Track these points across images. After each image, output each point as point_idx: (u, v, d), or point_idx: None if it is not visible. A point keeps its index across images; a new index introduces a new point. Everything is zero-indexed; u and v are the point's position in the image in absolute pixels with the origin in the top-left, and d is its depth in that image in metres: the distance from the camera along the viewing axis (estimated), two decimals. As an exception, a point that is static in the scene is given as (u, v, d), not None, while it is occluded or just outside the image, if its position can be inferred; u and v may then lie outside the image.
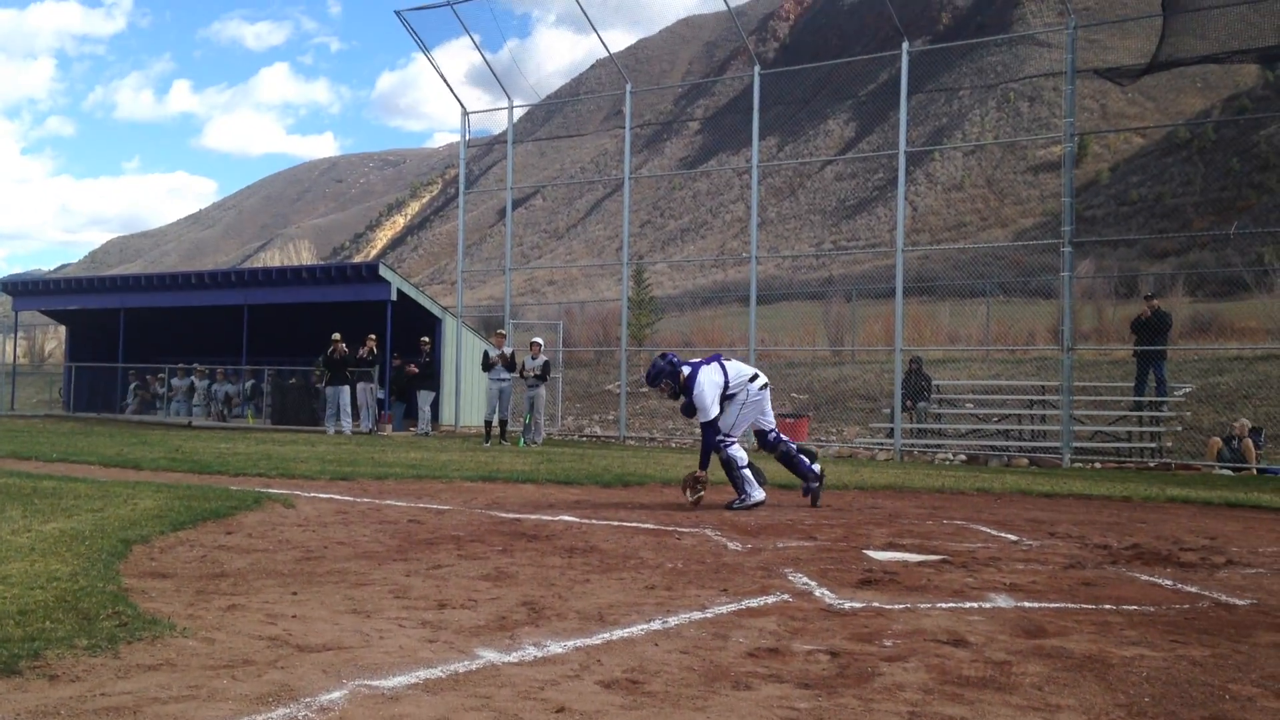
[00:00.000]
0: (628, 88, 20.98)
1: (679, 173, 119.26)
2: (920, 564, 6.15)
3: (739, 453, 8.71)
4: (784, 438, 9.09)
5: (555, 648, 4.13)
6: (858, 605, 4.99)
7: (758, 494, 8.68)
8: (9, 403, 28.83)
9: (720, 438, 8.67)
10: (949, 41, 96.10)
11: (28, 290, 29.84)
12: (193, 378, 24.82)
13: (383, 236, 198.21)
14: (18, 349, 34.21)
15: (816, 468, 8.99)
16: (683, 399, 8.95)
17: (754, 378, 8.90)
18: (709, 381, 8.64)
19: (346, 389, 20.27)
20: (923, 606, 4.99)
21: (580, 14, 20.02)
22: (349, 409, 20.31)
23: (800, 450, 9.07)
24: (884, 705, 3.45)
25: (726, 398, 8.71)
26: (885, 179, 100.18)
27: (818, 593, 5.27)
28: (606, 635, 4.35)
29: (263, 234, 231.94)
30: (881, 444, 17.32)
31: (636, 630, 4.45)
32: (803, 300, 42.49)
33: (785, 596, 5.16)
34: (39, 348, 43.81)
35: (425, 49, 21.57)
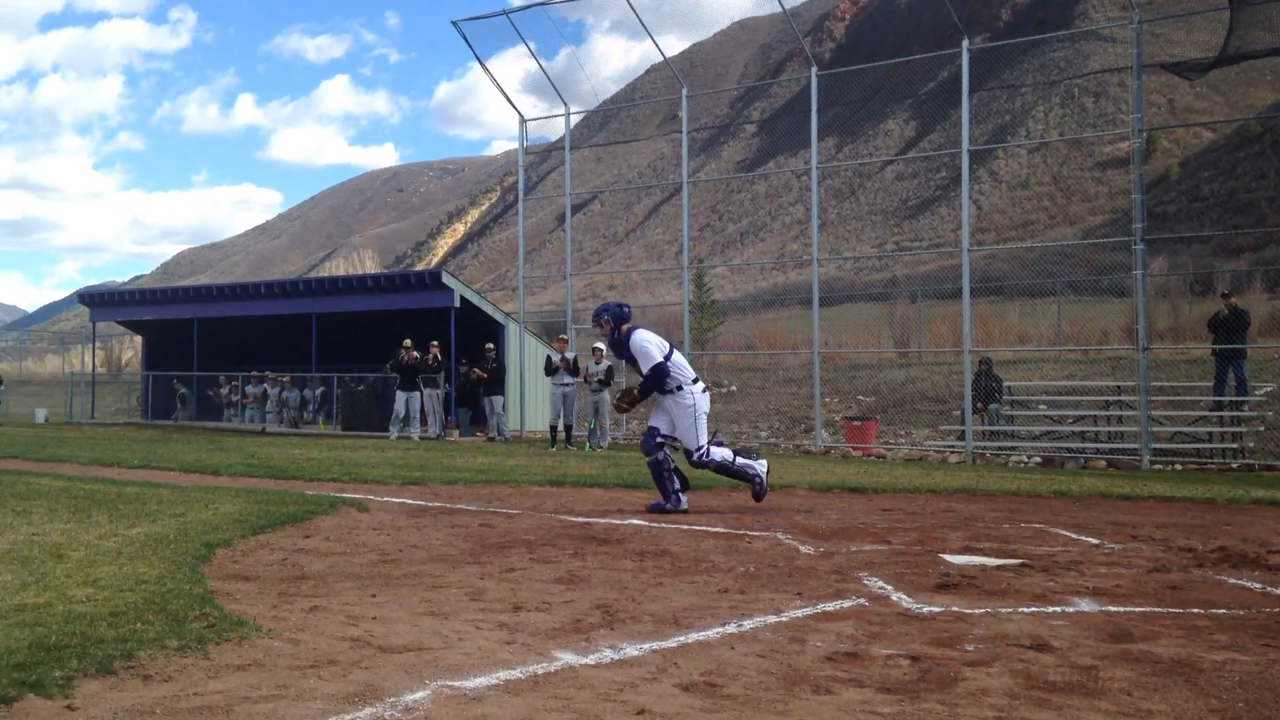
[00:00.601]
0: (684, 92, 20.99)
1: (737, 176, 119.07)
2: (999, 568, 6.06)
3: (724, 452, 8.62)
4: (713, 453, 8.71)
5: (631, 650, 4.14)
6: (936, 610, 4.93)
7: (682, 505, 8.46)
8: (90, 411, 29.62)
9: (696, 456, 8.48)
10: (1009, 38, 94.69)
11: (104, 302, 30.67)
12: (265, 385, 25.29)
13: (443, 244, 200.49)
14: (96, 359, 35.13)
15: (763, 472, 8.80)
16: (616, 350, 8.89)
17: (696, 380, 8.69)
18: (651, 337, 8.64)
19: (416, 395, 20.57)
20: (1004, 611, 4.91)
21: (634, 20, 20.17)
22: (418, 415, 20.61)
23: (740, 452, 8.96)
24: (969, 710, 3.40)
25: (672, 389, 8.52)
26: (948, 178, 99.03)
27: (894, 597, 5.21)
28: (682, 638, 4.34)
29: (327, 244, 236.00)
30: (952, 447, 17.09)
31: (711, 634, 4.44)
32: (866, 302, 42.14)
33: (861, 600, 5.12)
34: (116, 357, 45.00)
35: (481, 59, 21.74)
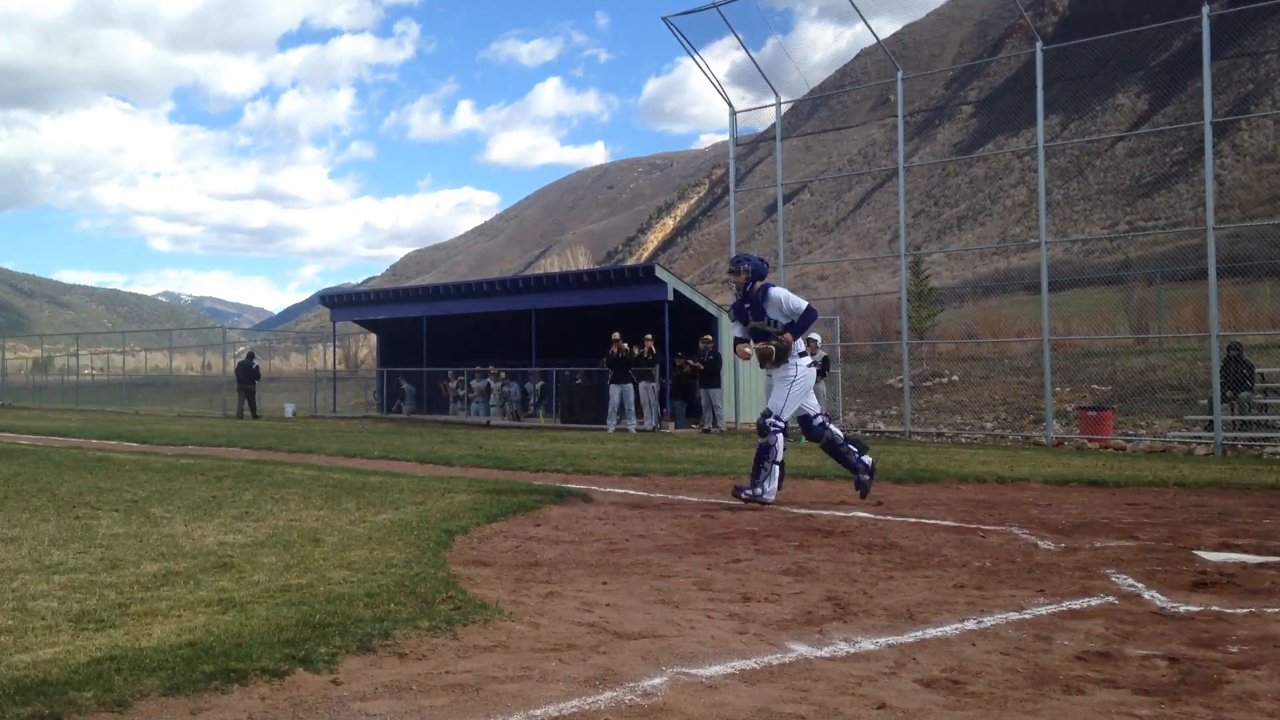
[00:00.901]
0: (899, 75, 20.41)
1: (955, 159, 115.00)
2: (1261, 566, 5.61)
3: (780, 442, 8.13)
4: (830, 425, 8.44)
5: (867, 644, 4.07)
6: (1194, 609, 4.61)
7: (769, 495, 8.10)
8: (332, 405, 31.72)
9: (770, 420, 8.12)
10: (1252, 2, 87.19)
11: (342, 302, 32.73)
12: (489, 379, 26.36)
13: (653, 239, 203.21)
14: (336, 356, 37.56)
15: (868, 460, 8.35)
16: (746, 306, 8.42)
17: (804, 354, 8.33)
18: (787, 292, 8.30)
19: (630, 387, 20.92)
20: (1270, 611, 4.55)
21: (842, 5, 19.66)
22: (633, 407, 20.98)
23: (849, 441, 8.44)
24: (1237, 715, 3.17)
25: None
26: (1185, 153, 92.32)
27: (1146, 595, 4.91)
28: (919, 634, 4.24)
29: (542, 241, 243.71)
30: (1199, 438, 15.93)
31: (949, 629, 4.31)
32: (1097, 286, 39.80)
33: (1110, 598, 4.84)
34: (353, 355, 47.98)
35: (693, 52, 21.83)
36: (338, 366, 36.98)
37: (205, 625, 4.15)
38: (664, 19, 21.79)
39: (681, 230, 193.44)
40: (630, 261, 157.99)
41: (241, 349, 40.55)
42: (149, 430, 20.03)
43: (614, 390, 21.00)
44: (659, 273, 23.82)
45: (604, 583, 5.26)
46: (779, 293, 8.29)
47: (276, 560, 5.59)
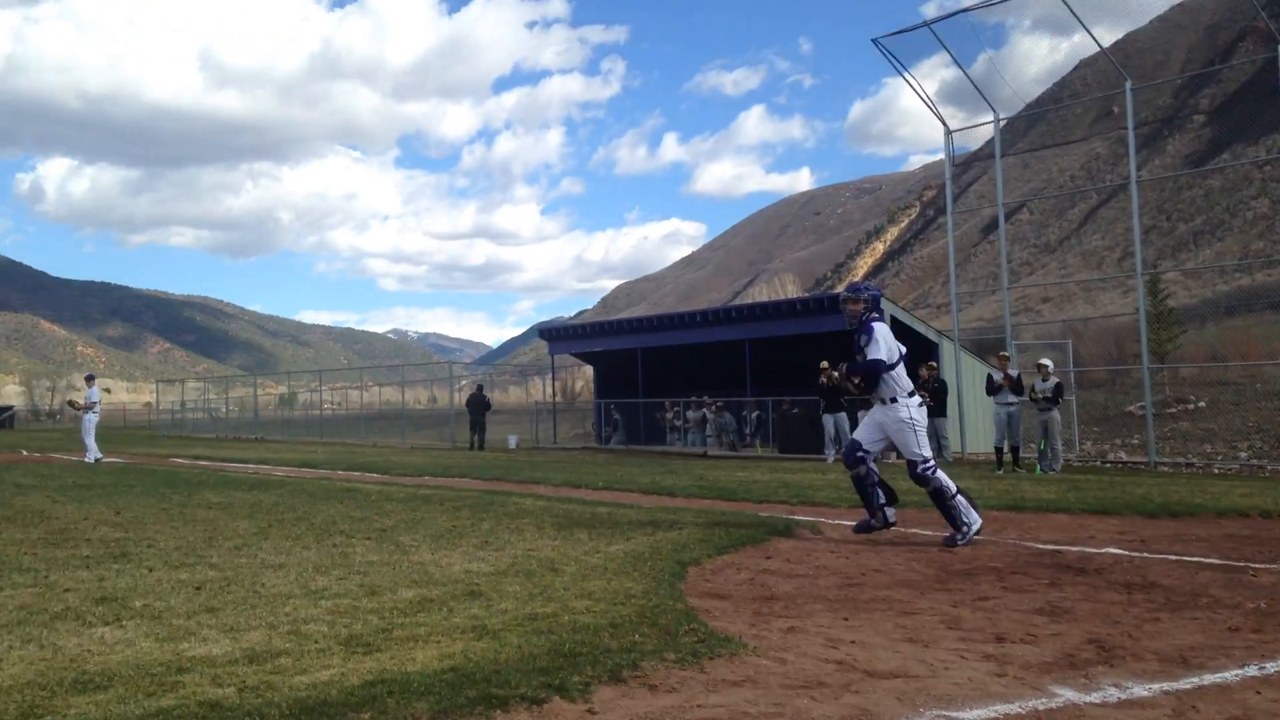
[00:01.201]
0: (1127, 85, 19.33)
1: (1188, 171, 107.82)
2: None
3: (947, 480, 7.77)
4: (938, 472, 7.86)
5: (1139, 690, 3.81)
6: None
7: (975, 523, 7.74)
8: (552, 436, 32.66)
9: (919, 469, 7.80)
10: None
11: (560, 336, 33.74)
12: (705, 409, 26.50)
13: (863, 264, 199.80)
14: (555, 388, 38.70)
15: (890, 513, 8.14)
16: (859, 338, 8.21)
17: (913, 393, 8.08)
18: (887, 335, 8.08)
19: (843, 416, 20.55)
20: None
21: (1058, 16, 18.75)
22: (847, 436, 20.60)
23: (882, 485, 8.12)
24: None
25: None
26: None
27: None
28: (1195, 680, 3.95)
29: (749, 270, 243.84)
30: None
31: (1229, 675, 4.00)
32: (1361, 301, 36.28)
33: None
34: (570, 386, 49.33)
35: (904, 71, 21.40)
36: (556, 398, 38.07)
37: (463, 651, 4.31)
38: (873, 41, 21.49)
39: (892, 254, 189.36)
40: (839, 289, 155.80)
41: (465, 382, 42.43)
42: (387, 462, 21.16)
43: (827, 420, 20.70)
44: (874, 299, 23.34)
45: (845, 619, 5.15)
46: (873, 330, 8.11)
47: (520, 589, 5.76)
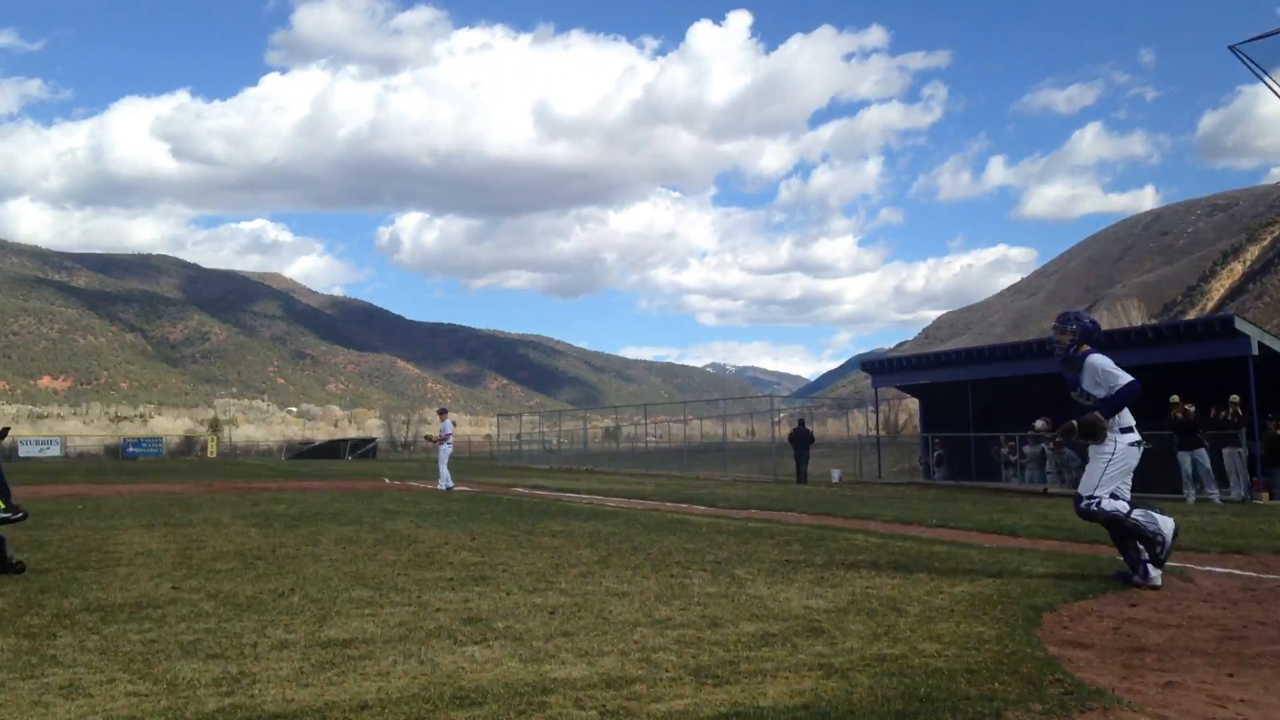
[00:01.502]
0: None
1: None
2: None
3: (1118, 505, 7.17)
4: (1103, 503, 7.24)
5: None
6: None
7: (1167, 529, 7.21)
8: (877, 471, 32.01)
9: (1083, 504, 7.29)
10: None
11: (883, 369, 33.10)
12: (1043, 444, 25.03)
13: (1219, 287, 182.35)
14: (878, 421, 37.96)
15: (1155, 575, 7.23)
16: (1064, 367, 7.68)
17: (1129, 430, 7.33)
18: (1109, 362, 7.34)
19: (1202, 452, 18.88)
20: None
21: None
22: (1210, 474, 18.82)
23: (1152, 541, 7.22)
24: None
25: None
26: None
27: None
28: None
29: (1086, 296, 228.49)
30: None
31: None
32: None
33: None
34: (892, 419, 48.20)
35: (1265, 78, 19.47)
36: (879, 432, 37.31)
37: (814, 689, 4.27)
38: (1231, 48, 19.82)
39: (1253, 275, 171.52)
40: (1192, 314, 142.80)
41: (783, 415, 42.48)
42: (711, 494, 21.52)
43: (1183, 457, 19.04)
44: (1239, 324, 21.24)
45: (1229, 674, 4.65)
46: (1096, 361, 7.35)
47: (864, 628, 5.64)
